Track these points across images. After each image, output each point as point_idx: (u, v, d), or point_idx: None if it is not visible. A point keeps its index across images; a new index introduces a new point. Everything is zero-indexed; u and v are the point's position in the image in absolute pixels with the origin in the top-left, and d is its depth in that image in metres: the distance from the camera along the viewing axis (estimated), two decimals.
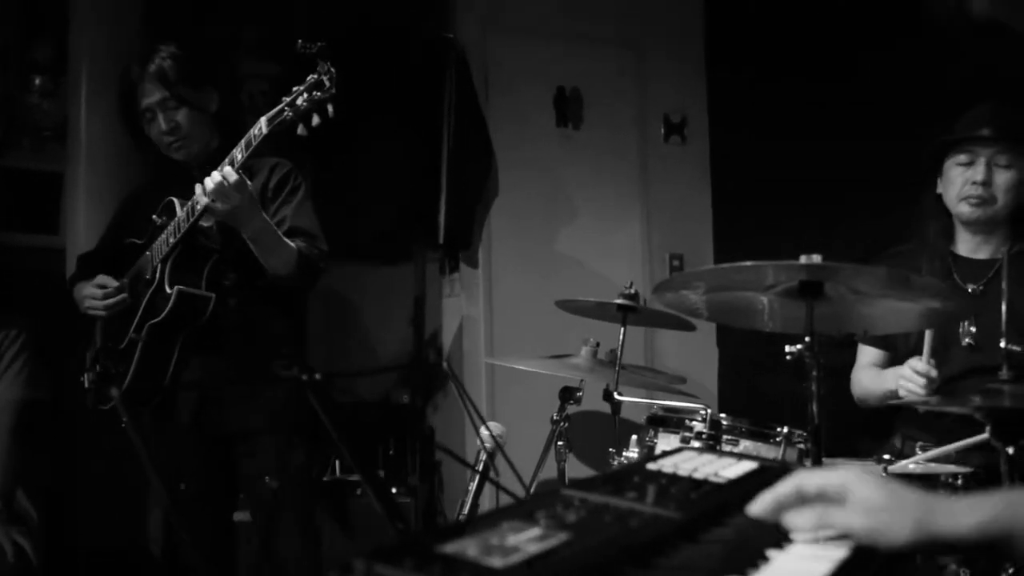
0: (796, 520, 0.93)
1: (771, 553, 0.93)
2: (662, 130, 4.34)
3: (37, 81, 3.85)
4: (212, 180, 2.24)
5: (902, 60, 3.43)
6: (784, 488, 0.96)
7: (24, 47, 3.84)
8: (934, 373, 2.27)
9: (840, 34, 3.67)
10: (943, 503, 0.93)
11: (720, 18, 4.38)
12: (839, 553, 0.93)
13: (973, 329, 2.39)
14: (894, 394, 2.40)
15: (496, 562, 0.79)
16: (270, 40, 4.11)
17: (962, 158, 2.48)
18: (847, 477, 0.95)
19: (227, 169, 2.24)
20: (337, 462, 3.60)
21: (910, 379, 2.31)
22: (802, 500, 0.95)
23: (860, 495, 0.92)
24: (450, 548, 0.82)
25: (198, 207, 2.31)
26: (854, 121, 3.56)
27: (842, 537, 0.95)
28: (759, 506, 0.96)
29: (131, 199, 2.79)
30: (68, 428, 3.18)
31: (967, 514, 0.91)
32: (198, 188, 2.28)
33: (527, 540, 0.85)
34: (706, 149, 4.42)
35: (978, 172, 2.45)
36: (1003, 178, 2.47)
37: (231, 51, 3.99)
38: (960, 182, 2.49)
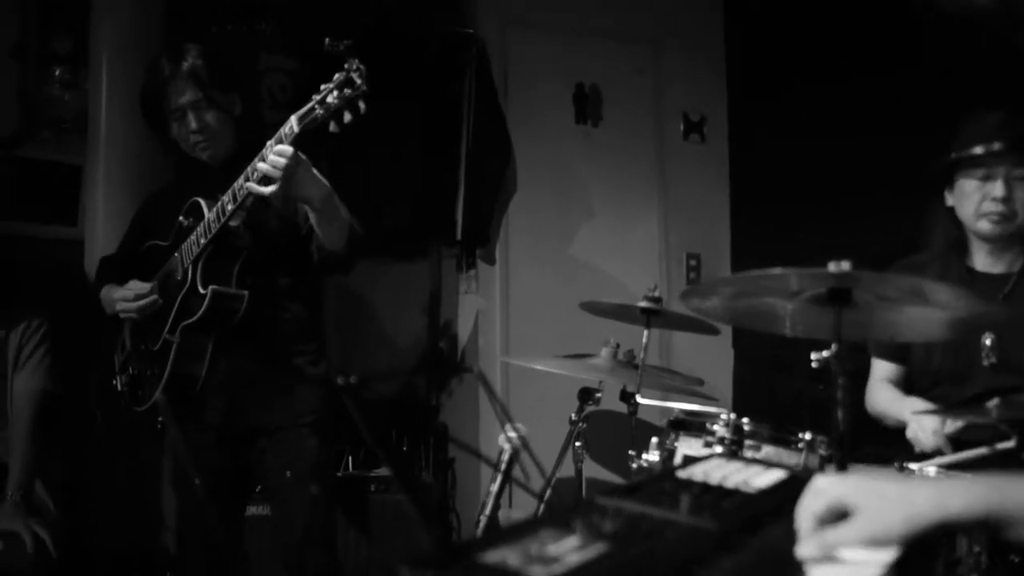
0: (802, 552, 0.95)
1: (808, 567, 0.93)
2: (681, 128, 4.33)
3: (57, 72, 3.85)
4: (272, 163, 2.19)
5: (928, 59, 3.41)
6: (806, 524, 0.98)
7: (44, 38, 3.84)
8: (948, 452, 2.28)
9: (863, 33, 3.64)
10: (928, 489, 0.96)
11: (740, 16, 4.36)
12: (872, 571, 0.93)
13: (991, 343, 2.36)
14: (905, 424, 2.42)
15: (539, 572, 0.79)
16: (288, 35, 4.12)
17: (978, 173, 2.42)
18: (841, 489, 0.98)
19: (280, 147, 2.20)
20: (349, 458, 3.60)
21: (926, 436, 2.33)
22: (821, 522, 0.97)
23: (854, 503, 0.96)
24: (491, 557, 0.82)
25: (239, 196, 2.28)
26: (876, 122, 3.53)
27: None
28: (809, 552, 0.96)
29: (152, 200, 2.78)
30: (85, 423, 3.20)
31: (954, 498, 0.94)
32: (252, 184, 2.24)
33: (567, 550, 0.85)
34: (725, 148, 4.40)
35: (997, 188, 2.39)
36: (1022, 193, 2.42)
37: (250, 46, 4.00)
38: (978, 198, 2.43)
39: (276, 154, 2.20)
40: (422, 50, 3.92)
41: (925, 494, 0.95)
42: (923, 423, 2.34)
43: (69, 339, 2.95)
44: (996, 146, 2.38)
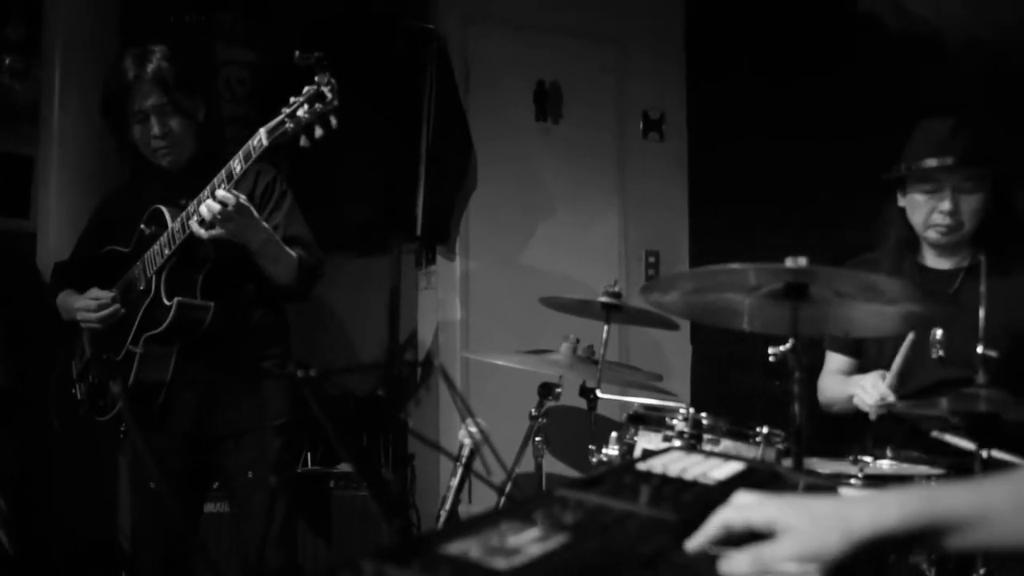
0: (731, 568, 0.90)
1: None
2: (641, 126, 4.37)
3: (7, 61, 3.77)
4: (210, 208, 2.20)
5: (881, 62, 3.47)
6: (712, 528, 0.94)
7: None
8: (891, 398, 2.30)
9: (822, 37, 3.70)
10: (861, 505, 0.94)
11: (701, 16, 4.40)
12: None
13: (940, 337, 2.40)
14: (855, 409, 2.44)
15: (500, 563, 0.79)
16: (248, 26, 4.07)
17: (927, 186, 2.46)
18: (769, 510, 0.94)
19: (223, 194, 2.20)
20: (309, 454, 3.58)
21: (866, 390, 2.35)
22: (732, 536, 0.94)
23: (784, 523, 0.92)
24: (453, 548, 0.82)
25: (190, 227, 2.27)
26: (832, 122, 3.59)
27: None
28: (693, 545, 0.94)
29: (109, 202, 2.70)
30: (41, 421, 3.14)
31: (889, 509, 0.92)
32: (193, 222, 2.23)
33: (528, 541, 0.85)
34: (684, 147, 4.45)
35: (945, 202, 2.43)
36: (969, 204, 2.45)
37: (209, 38, 3.94)
38: (926, 210, 2.47)
39: (219, 201, 2.19)
40: (383, 45, 3.90)
41: (859, 509, 0.92)
42: (862, 382, 2.38)
43: (22, 334, 2.89)
44: (948, 160, 2.41)
